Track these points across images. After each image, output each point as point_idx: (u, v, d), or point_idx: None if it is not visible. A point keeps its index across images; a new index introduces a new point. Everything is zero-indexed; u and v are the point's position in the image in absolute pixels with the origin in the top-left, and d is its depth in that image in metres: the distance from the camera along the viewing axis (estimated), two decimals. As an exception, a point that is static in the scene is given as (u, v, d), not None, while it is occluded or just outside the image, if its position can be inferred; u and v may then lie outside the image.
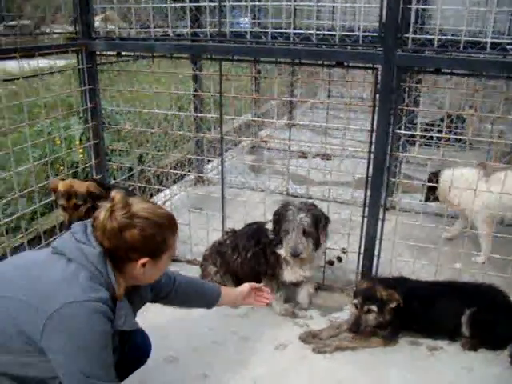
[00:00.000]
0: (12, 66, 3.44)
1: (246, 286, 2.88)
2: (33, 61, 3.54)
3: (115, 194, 2.02)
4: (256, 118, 6.96)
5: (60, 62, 4.25)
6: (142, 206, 2.03)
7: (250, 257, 3.59)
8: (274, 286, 3.53)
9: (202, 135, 4.95)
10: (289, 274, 3.51)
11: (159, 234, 2.03)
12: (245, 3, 4.30)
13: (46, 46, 3.57)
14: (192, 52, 3.78)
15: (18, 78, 3.38)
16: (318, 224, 3.36)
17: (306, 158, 6.54)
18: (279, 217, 3.38)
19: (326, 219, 3.46)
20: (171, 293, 2.60)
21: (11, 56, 3.29)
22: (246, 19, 6.61)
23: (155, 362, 3.03)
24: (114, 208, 1.97)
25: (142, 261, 2.02)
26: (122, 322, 2.01)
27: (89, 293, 1.88)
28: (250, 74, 6.20)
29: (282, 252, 3.38)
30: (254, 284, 2.93)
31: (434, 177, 4.31)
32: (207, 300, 2.78)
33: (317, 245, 3.39)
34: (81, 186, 3.51)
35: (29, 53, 3.42)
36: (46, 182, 3.76)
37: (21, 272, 1.98)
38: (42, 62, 3.68)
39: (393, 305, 3.16)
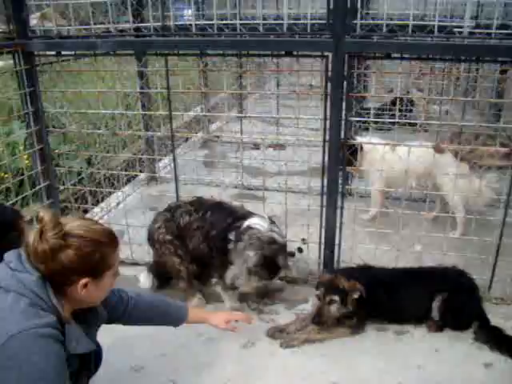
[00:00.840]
0: None
1: (220, 318, 2.83)
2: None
3: (43, 214, 1.87)
4: (207, 113, 6.84)
5: None
6: (76, 224, 1.91)
7: (218, 248, 3.37)
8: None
9: (151, 133, 4.81)
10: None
11: (97, 252, 1.91)
12: (188, -5, 4.15)
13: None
14: (136, 48, 3.64)
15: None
16: (274, 261, 3.17)
17: (258, 149, 6.48)
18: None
19: (285, 253, 3.29)
20: (125, 315, 2.51)
21: None
22: (189, 11, 6.46)
23: (121, 372, 2.93)
24: (44, 229, 1.83)
25: (82, 282, 1.90)
26: (75, 345, 1.89)
27: (33, 319, 1.75)
28: (197, 68, 6.06)
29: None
30: (230, 317, 2.89)
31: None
32: (170, 322, 2.72)
33: (272, 277, 3.29)
34: None
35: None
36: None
37: None
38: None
39: (355, 295, 3.15)
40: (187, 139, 7.00)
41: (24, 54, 3.64)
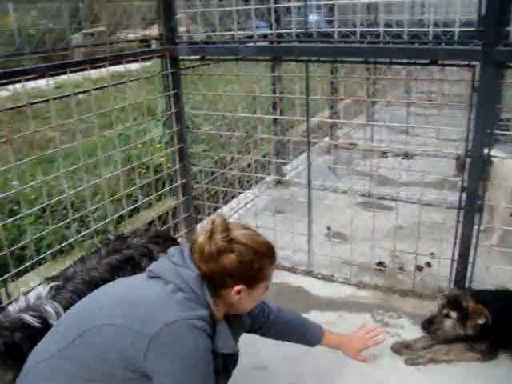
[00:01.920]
0: (91, 72, 3.45)
1: (355, 348, 2.80)
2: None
3: (216, 218, 1.99)
4: (338, 120, 6.81)
5: (133, 66, 4.27)
6: (242, 232, 1.99)
7: None
8: None
9: (287, 138, 4.88)
10: None
11: (257, 262, 1.98)
12: (327, 1, 4.12)
13: (133, 53, 3.60)
14: (277, 54, 3.72)
15: (106, 86, 3.43)
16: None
17: (386, 157, 6.34)
18: None
19: None
20: (264, 327, 2.58)
21: (101, 65, 3.34)
22: (314, 17, 6.43)
23: (244, 369, 2.97)
24: (214, 231, 1.94)
25: (237, 288, 1.98)
26: (222, 345, 1.99)
27: (188, 311, 1.86)
28: (333, 76, 6.07)
29: None
30: (364, 346, 2.83)
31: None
32: (304, 342, 2.76)
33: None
34: None
35: (117, 60, 3.47)
36: (133, 188, 3.79)
37: (118, 298, 1.99)
38: (117, 67, 3.71)
39: (480, 321, 2.95)
40: (313, 144, 7.00)
41: (171, 59, 3.85)
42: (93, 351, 1.88)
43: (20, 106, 3.14)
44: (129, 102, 3.68)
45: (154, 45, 4.03)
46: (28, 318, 2.22)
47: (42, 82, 3.03)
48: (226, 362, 2.16)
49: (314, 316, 3.50)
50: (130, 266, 2.67)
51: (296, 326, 2.72)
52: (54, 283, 2.48)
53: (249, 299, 2.07)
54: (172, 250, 2.08)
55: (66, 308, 2.30)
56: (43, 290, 2.43)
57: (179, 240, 3.97)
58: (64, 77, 3.12)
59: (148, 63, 4.71)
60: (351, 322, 3.45)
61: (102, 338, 1.87)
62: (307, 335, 2.73)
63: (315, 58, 3.48)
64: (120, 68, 3.57)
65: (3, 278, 2.94)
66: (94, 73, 3.38)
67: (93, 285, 2.47)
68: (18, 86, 2.91)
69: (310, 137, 3.69)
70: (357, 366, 3.04)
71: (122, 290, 2.05)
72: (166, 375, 1.81)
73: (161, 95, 3.91)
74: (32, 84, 2.96)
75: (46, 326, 2.21)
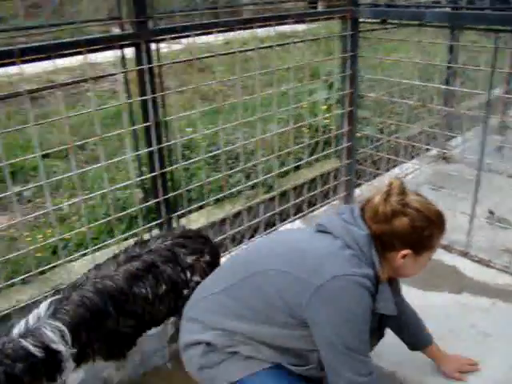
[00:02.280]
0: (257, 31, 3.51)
1: (453, 367, 2.73)
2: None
3: (393, 180, 2.01)
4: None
5: (300, 27, 4.30)
6: (416, 198, 2.00)
7: None
8: None
9: (464, 111, 4.65)
10: None
11: (427, 229, 1.97)
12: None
13: (315, 13, 3.65)
14: (465, 21, 3.50)
15: (288, 43, 3.53)
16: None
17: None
18: None
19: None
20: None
21: (283, 22, 3.42)
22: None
23: (386, 339, 3.01)
24: (390, 193, 1.96)
25: (403, 252, 1.99)
26: (382, 305, 2.03)
27: (355, 268, 1.92)
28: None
29: None
30: (462, 368, 2.76)
31: None
32: (409, 341, 2.68)
33: None
34: None
35: (298, 19, 3.54)
36: (301, 145, 3.90)
37: (288, 247, 2.10)
38: (283, 27, 3.74)
39: None
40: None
41: (351, 20, 3.82)
42: (258, 294, 2.02)
43: (208, 57, 3.36)
44: (297, 62, 3.73)
45: (320, 6, 4.05)
46: (29, 346, 1.95)
47: (210, 38, 3.15)
48: (381, 323, 2.20)
49: (465, 298, 3.40)
50: (151, 274, 2.34)
51: (415, 323, 2.65)
52: (53, 298, 2.14)
53: (412, 265, 2.07)
54: (342, 208, 2.15)
55: (71, 324, 2.06)
56: (42, 307, 2.10)
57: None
58: (232, 33, 3.23)
59: (314, 25, 4.71)
60: (505, 312, 3.27)
61: (268, 283, 2.01)
62: (419, 336, 2.66)
63: (509, 28, 3.24)
64: (286, 28, 3.62)
65: (176, 213, 3.26)
66: (261, 31, 3.46)
67: (106, 293, 2.19)
68: (189, 40, 3.05)
69: (489, 112, 3.47)
70: (507, 356, 2.91)
71: (292, 239, 2.17)
72: (326, 325, 1.91)
73: (338, 57, 3.92)
74: (203, 38, 3.08)
75: (48, 355, 1.99)
